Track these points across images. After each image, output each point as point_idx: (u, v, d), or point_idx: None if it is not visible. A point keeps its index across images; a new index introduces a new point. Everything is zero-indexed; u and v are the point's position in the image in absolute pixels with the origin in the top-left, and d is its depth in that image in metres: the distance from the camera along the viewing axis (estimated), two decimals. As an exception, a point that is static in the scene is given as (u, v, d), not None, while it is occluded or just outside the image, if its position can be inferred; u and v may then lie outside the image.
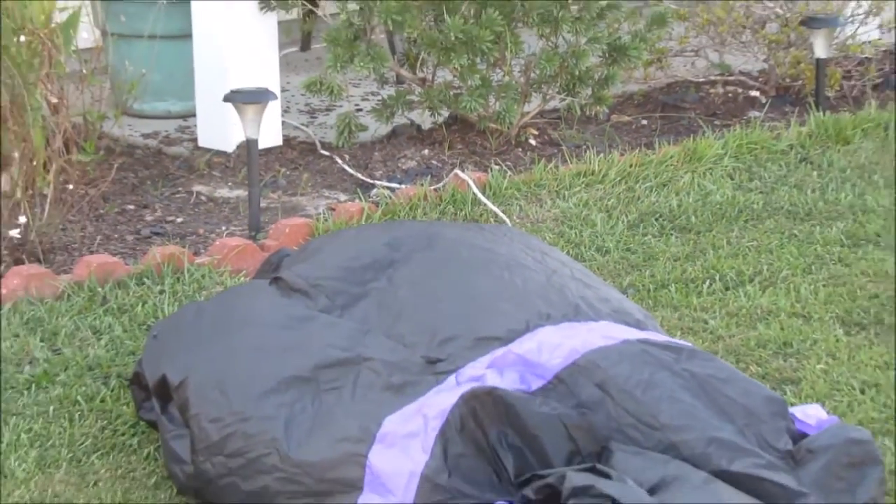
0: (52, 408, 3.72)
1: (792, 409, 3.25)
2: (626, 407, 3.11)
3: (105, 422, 3.68)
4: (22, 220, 4.52)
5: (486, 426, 3.07)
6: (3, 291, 4.27)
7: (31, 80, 4.55)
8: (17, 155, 4.53)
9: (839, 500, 2.97)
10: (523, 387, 3.21)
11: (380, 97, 5.73)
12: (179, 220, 5.00)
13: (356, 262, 3.80)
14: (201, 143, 5.66)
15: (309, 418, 3.27)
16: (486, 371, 3.25)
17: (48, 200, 4.61)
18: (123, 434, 3.64)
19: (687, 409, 3.10)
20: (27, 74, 4.53)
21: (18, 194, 4.54)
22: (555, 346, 3.29)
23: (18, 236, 4.52)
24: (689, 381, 3.17)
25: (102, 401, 3.77)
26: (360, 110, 5.88)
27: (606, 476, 2.90)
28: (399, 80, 5.81)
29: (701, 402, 3.12)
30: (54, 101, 4.64)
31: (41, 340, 4.04)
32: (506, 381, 3.21)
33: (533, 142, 5.62)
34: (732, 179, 5.23)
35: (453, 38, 5.28)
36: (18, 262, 4.47)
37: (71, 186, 4.73)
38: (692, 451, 3.02)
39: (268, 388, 3.37)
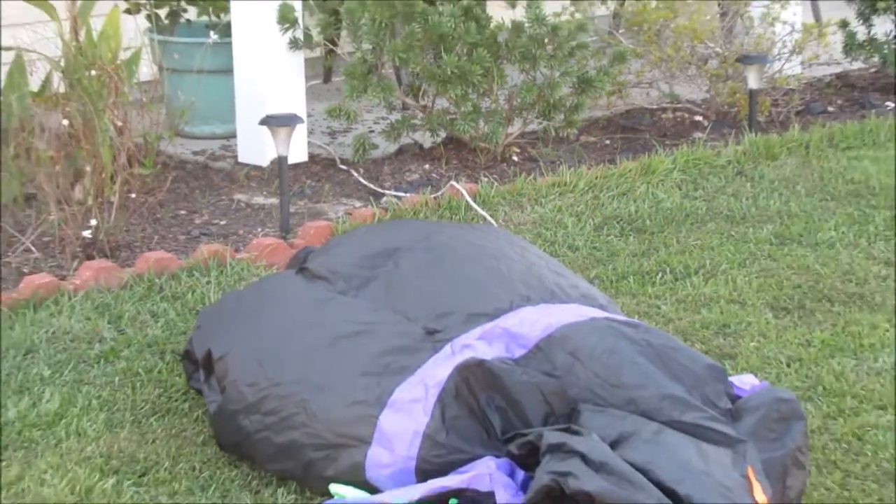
0: (117, 378, 3.73)
1: (730, 378, 3.25)
2: (593, 370, 3.12)
3: (161, 390, 3.69)
4: (93, 222, 4.52)
5: (476, 392, 3.08)
6: (77, 282, 4.27)
7: (101, 107, 4.55)
8: (88, 169, 4.54)
9: (770, 447, 2.97)
10: (508, 354, 3.22)
11: (388, 121, 5.72)
12: (223, 222, 4.98)
13: (368, 251, 3.80)
14: (241, 159, 5.65)
15: (330, 382, 3.27)
16: (476, 342, 3.26)
17: (114, 206, 4.60)
18: (176, 400, 3.64)
19: (644, 371, 3.11)
20: (97, 102, 4.53)
21: (90, 201, 4.54)
22: (534, 321, 3.30)
23: (90, 236, 4.52)
24: (646, 349, 3.18)
25: (159, 372, 3.77)
26: (373, 132, 5.86)
27: (578, 434, 2.90)
28: (404, 107, 5.80)
29: (656, 367, 3.13)
30: (119, 124, 4.64)
31: (108, 322, 4.05)
32: (494, 350, 3.23)
33: (515, 158, 5.61)
34: (680, 189, 5.22)
35: (449, 73, 5.28)
36: (90, 257, 4.48)
37: (133, 195, 4.74)
38: (648, 406, 3.03)
39: (296, 358, 3.37)
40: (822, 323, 4.11)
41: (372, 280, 3.69)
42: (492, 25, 5.56)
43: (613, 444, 2.94)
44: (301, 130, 5.34)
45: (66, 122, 4.54)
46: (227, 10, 5.81)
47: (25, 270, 4.42)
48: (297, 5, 5.48)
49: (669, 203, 5.07)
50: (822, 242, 4.69)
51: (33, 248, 4.54)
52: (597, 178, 5.27)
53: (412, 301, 3.56)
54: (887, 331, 4.05)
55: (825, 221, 4.88)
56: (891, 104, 6.47)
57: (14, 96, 4.74)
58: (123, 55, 4.96)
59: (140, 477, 3.27)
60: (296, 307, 3.66)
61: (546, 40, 5.48)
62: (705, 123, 6.16)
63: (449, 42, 5.36)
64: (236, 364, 3.46)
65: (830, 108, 6.46)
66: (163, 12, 6.08)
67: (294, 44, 5.46)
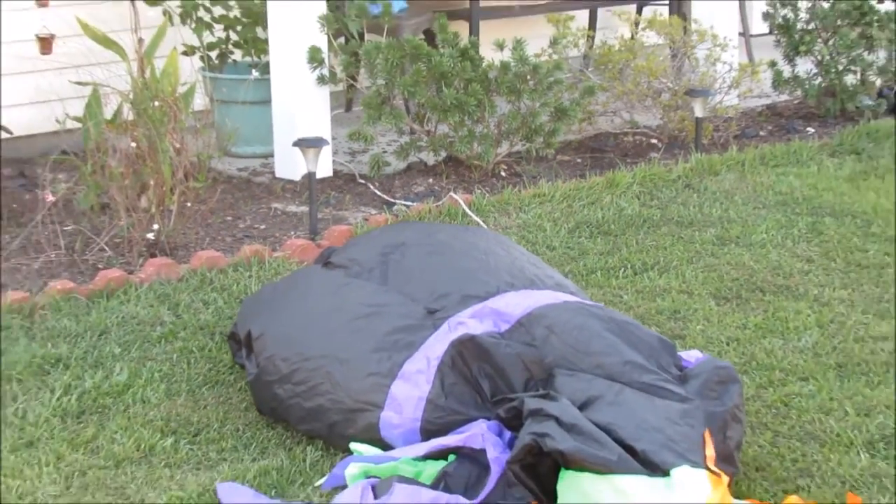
0: (175, 355, 3.74)
1: (679, 353, 3.25)
2: (566, 341, 3.12)
3: (211, 365, 3.69)
4: (155, 227, 4.52)
5: (469, 363, 3.09)
6: (142, 276, 4.26)
7: (162, 132, 4.52)
8: (152, 183, 4.51)
9: (713, 405, 2.99)
10: (495, 329, 3.23)
11: (399, 143, 5.68)
12: (262, 227, 4.95)
13: (380, 245, 3.79)
14: (278, 175, 5.61)
15: (349, 356, 3.27)
16: (469, 319, 3.26)
17: (173, 214, 4.60)
18: (224, 374, 3.64)
19: (609, 342, 3.11)
20: (160, 128, 4.52)
21: (153, 209, 4.53)
22: (517, 303, 3.29)
23: (153, 238, 4.52)
24: (610, 324, 3.18)
25: (210, 351, 3.77)
26: (385, 152, 5.81)
27: (554, 400, 2.89)
28: (412, 132, 5.75)
29: (619, 339, 3.14)
30: (178, 146, 4.61)
31: (168, 309, 4.05)
32: (484, 325, 3.22)
33: (503, 174, 5.57)
34: (639, 199, 5.18)
35: (449, 103, 5.26)
36: (153, 255, 4.47)
37: (188, 204, 4.72)
38: (613, 370, 3.03)
39: (320, 336, 3.36)
40: (756, 309, 4.09)
41: (382, 265, 3.67)
42: (484, 64, 5.53)
43: (582, 406, 2.93)
44: (327, 151, 5.31)
45: (133, 144, 4.52)
46: (266, 52, 5.80)
47: (100, 266, 4.42)
48: (324, 48, 5.46)
49: (630, 211, 5.03)
50: (756, 243, 4.66)
51: (106, 248, 4.54)
52: (570, 190, 5.24)
53: (416, 285, 3.54)
54: (808, 315, 4.04)
55: (758, 226, 4.86)
56: (811, 130, 6.45)
57: (91, 123, 4.75)
58: (181, 89, 4.94)
59: (194, 437, 3.30)
60: (320, 294, 3.65)
61: (528, 77, 5.46)
62: (659, 145, 6.12)
63: (448, 78, 5.35)
64: (271, 342, 3.44)
65: (762, 133, 6.43)
66: (213, 54, 6.07)
67: (321, 80, 5.44)
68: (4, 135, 5.43)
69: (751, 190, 5.38)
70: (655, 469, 2.75)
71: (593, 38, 7.23)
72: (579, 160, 5.94)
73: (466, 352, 3.13)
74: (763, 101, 7.05)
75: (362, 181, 5.48)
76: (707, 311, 4.08)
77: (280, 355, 3.37)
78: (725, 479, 2.83)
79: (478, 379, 3.12)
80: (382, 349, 3.26)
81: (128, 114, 4.77)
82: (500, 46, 5.66)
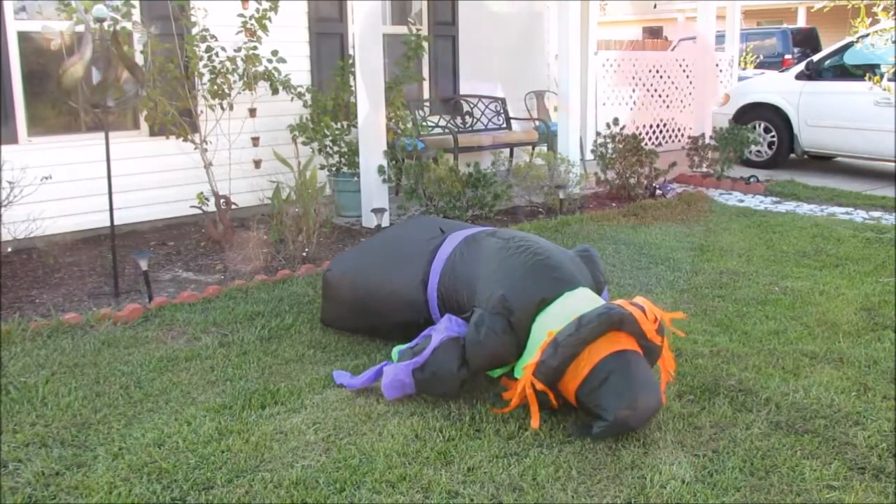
0: (315, 309, 3.63)
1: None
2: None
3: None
4: (306, 250, 4.57)
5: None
6: (300, 273, 4.11)
7: (310, 204, 4.59)
8: (304, 228, 4.57)
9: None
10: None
11: (421, 211, 5.68)
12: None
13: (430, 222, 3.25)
14: (363, 225, 5.63)
15: (397, 274, 2.96)
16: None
17: (314, 243, 4.66)
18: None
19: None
20: (308, 203, 4.59)
21: (305, 241, 4.58)
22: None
23: (305, 254, 4.55)
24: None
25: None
26: (414, 215, 5.73)
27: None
28: (426, 205, 5.68)
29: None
30: (317, 211, 4.65)
31: (311, 289, 3.97)
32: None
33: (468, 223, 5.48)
34: (539, 234, 5.00)
35: (444, 191, 5.24)
36: (304, 263, 4.48)
37: (322, 239, 4.81)
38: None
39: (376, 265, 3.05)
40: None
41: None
42: (460, 174, 5.57)
43: None
44: (387, 214, 5.42)
45: (297, 210, 4.63)
46: (358, 166, 5.85)
47: (279, 268, 4.34)
48: (385, 165, 5.53)
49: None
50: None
51: (283, 260, 4.50)
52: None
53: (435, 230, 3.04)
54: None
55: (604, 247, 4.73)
56: (614, 204, 6.39)
57: (276, 200, 4.85)
58: (318, 184, 5.08)
59: (323, 349, 3.15)
60: (371, 245, 3.24)
61: (480, 179, 5.53)
62: (542, 212, 6.13)
63: (443, 180, 5.42)
64: (342, 278, 3.12)
65: (590, 206, 6.36)
66: (334, 168, 6.08)
67: (384, 181, 5.51)
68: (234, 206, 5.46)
69: (586, 232, 5.43)
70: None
71: (511, 160, 7.41)
72: (505, 218, 5.93)
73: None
74: (591, 191, 7.03)
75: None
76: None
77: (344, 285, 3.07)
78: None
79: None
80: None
81: (293, 196, 4.85)
82: (468, 165, 5.77)
